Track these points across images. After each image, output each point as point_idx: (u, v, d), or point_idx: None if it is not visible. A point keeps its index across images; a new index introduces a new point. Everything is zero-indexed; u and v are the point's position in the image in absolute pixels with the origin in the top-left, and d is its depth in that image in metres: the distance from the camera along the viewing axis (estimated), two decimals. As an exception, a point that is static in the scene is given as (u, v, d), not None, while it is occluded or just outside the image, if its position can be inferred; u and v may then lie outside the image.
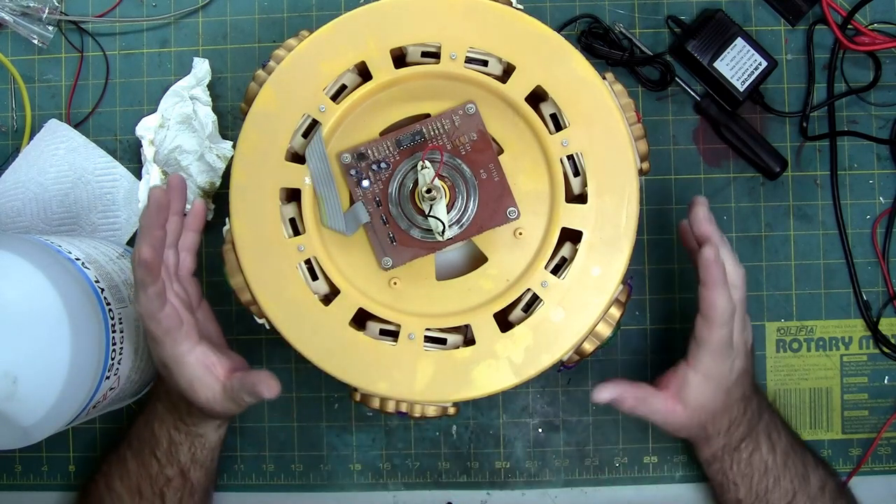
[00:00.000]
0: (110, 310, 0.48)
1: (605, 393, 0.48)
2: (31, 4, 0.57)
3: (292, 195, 0.49)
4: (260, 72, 0.49)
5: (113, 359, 0.48)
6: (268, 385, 0.45)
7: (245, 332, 0.58)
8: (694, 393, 0.48)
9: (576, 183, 0.48)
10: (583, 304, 0.47)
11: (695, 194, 0.57)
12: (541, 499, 0.58)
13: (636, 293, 0.58)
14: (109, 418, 0.58)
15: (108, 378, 0.47)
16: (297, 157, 0.49)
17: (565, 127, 0.48)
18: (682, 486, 0.58)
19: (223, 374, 0.48)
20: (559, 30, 0.56)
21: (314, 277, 0.48)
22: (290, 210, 0.49)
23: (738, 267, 0.48)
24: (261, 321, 0.49)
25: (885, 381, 0.58)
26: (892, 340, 0.57)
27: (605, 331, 0.47)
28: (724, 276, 0.46)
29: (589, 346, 0.47)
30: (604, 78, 0.49)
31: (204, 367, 0.47)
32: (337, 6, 0.59)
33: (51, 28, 0.58)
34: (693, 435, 0.50)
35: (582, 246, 0.47)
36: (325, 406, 0.58)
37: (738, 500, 0.51)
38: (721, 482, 0.51)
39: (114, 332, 0.48)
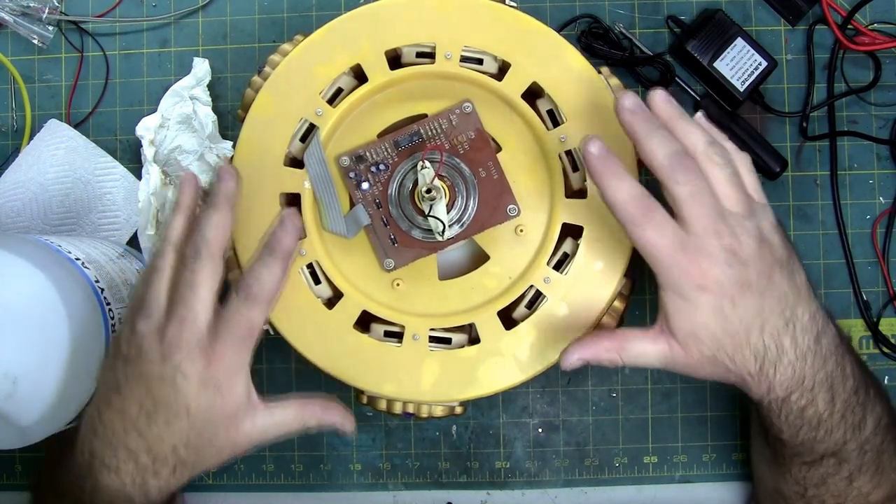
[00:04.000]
0: (110, 310, 0.48)
1: (572, 356, 0.43)
2: (31, 4, 0.57)
3: (292, 200, 0.49)
4: (256, 77, 0.50)
5: (113, 359, 0.48)
6: (349, 421, 0.44)
7: (245, 332, 0.58)
8: (675, 318, 0.41)
9: (575, 178, 0.48)
10: (586, 298, 0.47)
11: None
12: (541, 499, 0.58)
13: (636, 293, 0.58)
14: (109, 418, 0.58)
15: (108, 378, 0.47)
16: (295, 162, 0.49)
17: (562, 122, 0.48)
18: (682, 487, 0.58)
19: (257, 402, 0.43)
20: (559, 30, 0.56)
21: (317, 281, 0.48)
22: (291, 214, 0.49)
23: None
24: (264, 326, 0.49)
25: (885, 382, 0.58)
26: (892, 340, 0.57)
27: (609, 325, 0.47)
28: (610, 167, 0.41)
29: None
30: (599, 73, 0.49)
31: (250, 389, 0.42)
32: (337, 6, 0.59)
33: (51, 28, 0.58)
34: (720, 376, 0.43)
35: (583, 241, 0.47)
36: (325, 406, 0.58)
37: (780, 440, 0.45)
38: (767, 418, 0.45)
39: (114, 332, 0.48)
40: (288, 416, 0.43)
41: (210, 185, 0.47)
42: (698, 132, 0.43)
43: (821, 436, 0.43)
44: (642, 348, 0.42)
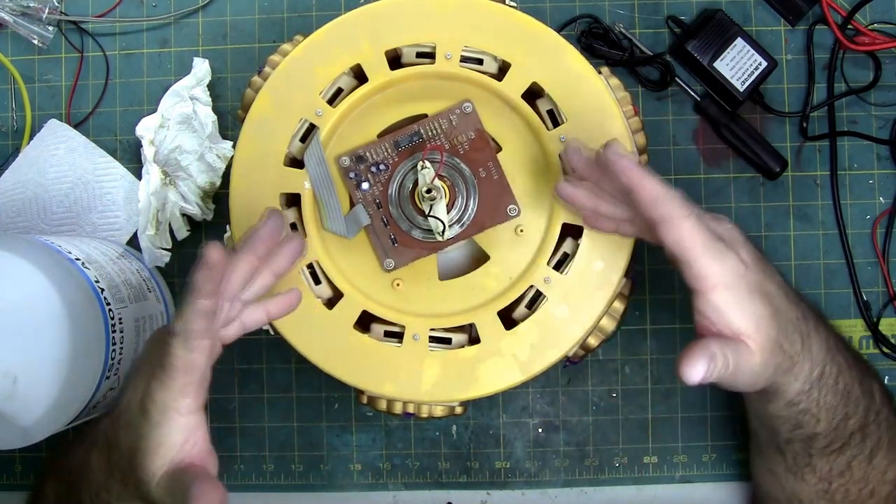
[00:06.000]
0: (110, 310, 0.48)
1: (698, 368, 0.38)
2: (31, 4, 0.57)
3: (292, 200, 0.49)
4: (256, 78, 0.50)
5: (113, 359, 0.48)
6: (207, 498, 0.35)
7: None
8: (734, 311, 0.40)
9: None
10: (586, 298, 0.47)
11: (695, 194, 0.58)
12: (541, 499, 0.58)
13: (636, 293, 0.58)
14: (109, 418, 0.58)
15: (108, 378, 0.47)
16: (295, 162, 0.49)
17: (562, 122, 0.48)
18: (682, 486, 0.58)
19: (186, 459, 0.39)
20: (559, 30, 0.56)
21: (317, 282, 0.48)
22: (291, 215, 0.49)
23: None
24: (265, 327, 0.49)
25: (885, 381, 0.58)
26: (892, 340, 0.57)
27: (609, 325, 0.47)
28: (639, 165, 0.40)
29: (594, 341, 0.48)
30: (599, 73, 0.49)
31: (184, 439, 0.38)
32: (337, 6, 0.59)
33: (51, 28, 0.58)
34: (780, 363, 0.41)
35: (583, 241, 0.47)
36: (325, 406, 0.58)
37: (814, 435, 0.45)
38: (800, 421, 0.44)
39: (114, 332, 0.48)
40: (201, 443, 0.39)
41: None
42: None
43: (852, 409, 0.44)
44: (741, 355, 0.40)
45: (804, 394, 0.43)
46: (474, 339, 0.47)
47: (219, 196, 0.57)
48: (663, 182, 0.40)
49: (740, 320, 0.40)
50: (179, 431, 0.38)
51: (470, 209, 0.48)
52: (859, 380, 0.45)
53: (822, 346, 0.43)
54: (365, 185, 0.48)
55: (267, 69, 0.49)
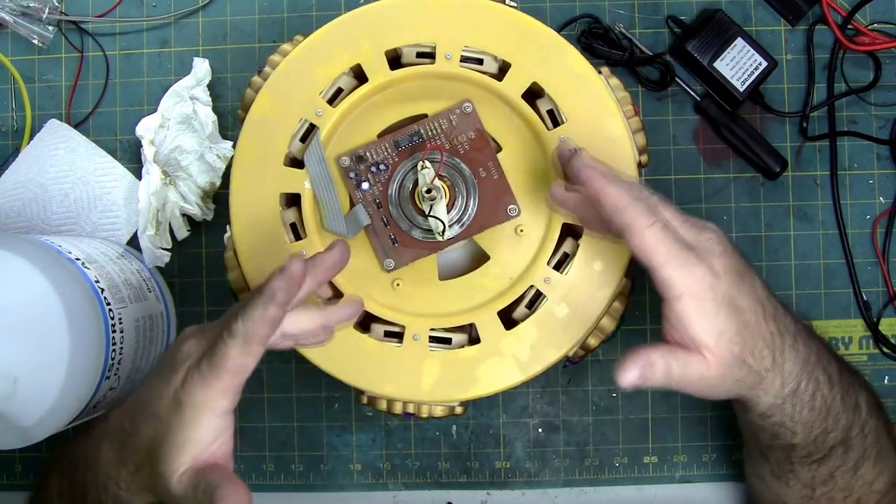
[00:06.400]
0: (110, 310, 0.48)
1: (630, 374, 0.39)
2: (31, 4, 0.57)
3: (292, 200, 0.49)
4: (256, 78, 0.50)
5: (113, 359, 0.48)
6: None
7: (245, 332, 0.58)
8: (696, 322, 0.40)
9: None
10: (586, 298, 0.47)
11: (695, 194, 0.58)
12: (541, 499, 0.58)
13: (636, 293, 0.58)
14: (109, 418, 0.58)
15: (108, 378, 0.47)
16: (295, 162, 0.49)
17: (563, 122, 0.48)
18: (682, 487, 0.58)
19: (209, 460, 0.39)
20: (559, 30, 0.56)
21: (317, 281, 0.48)
22: (291, 215, 0.49)
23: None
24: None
25: (885, 381, 0.58)
26: (892, 340, 0.57)
27: (609, 325, 0.47)
28: (604, 171, 0.41)
29: (594, 341, 0.48)
30: (599, 73, 0.49)
31: (213, 439, 0.39)
32: (337, 6, 0.59)
33: (51, 28, 0.58)
34: (740, 381, 0.41)
35: (583, 241, 0.47)
36: (325, 406, 0.58)
37: (792, 446, 0.45)
38: (776, 432, 0.44)
39: (114, 332, 0.48)
40: (226, 443, 0.40)
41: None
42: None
43: (831, 424, 0.43)
44: (685, 363, 0.40)
45: (776, 407, 0.43)
46: (474, 339, 0.47)
47: (219, 196, 0.57)
48: (632, 187, 0.40)
49: (700, 332, 0.40)
50: (211, 431, 0.38)
51: (470, 209, 0.48)
52: (842, 395, 0.44)
53: (797, 363, 0.42)
54: (365, 185, 0.48)
55: (267, 69, 0.49)
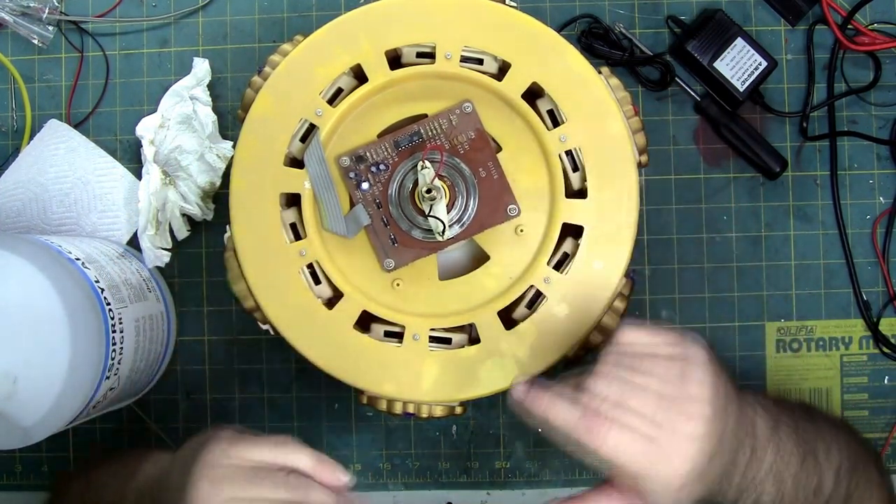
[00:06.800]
0: (110, 310, 0.48)
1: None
2: (31, 4, 0.57)
3: (292, 200, 0.49)
4: (256, 78, 0.50)
5: (113, 359, 0.48)
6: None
7: (246, 332, 0.58)
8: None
9: (575, 178, 0.48)
10: (586, 298, 0.47)
11: (695, 194, 0.58)
12: (541, 499, 0.58)
13: (636, 293, 0.58)
14: (109, 418, 0.58)
15: (107, 378, 0.47)
16: (295, 162, 0.49)
17: (563, 122, 0.48)
18: (682, 486, 0.57)
19: None
20: (559, 30, 0.56)
21: (317, 282, 0.48)
22: (291, 215, 0.49)
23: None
24: (265, 327, 0.49)
25: (885, 381, 0.58)
26: (892, 340, 0.57)
27: (611, 323, 0.47)
28: (540, 395, 0.40)
29: (595, 339, 0.47)
30: (599, 73, 0.49)
31: None
32: (337, 6, 0.59)
33: (51, 28, 0.58)
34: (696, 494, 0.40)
35: (583, 241, 0.47)
36: (325, 406, 0.58)
37: None
38: None
39: (114, 332, 0.48)
40: None
41: None
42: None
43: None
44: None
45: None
46: (474, 339, 0.47)
47: (219, 196, 0.57)
48: (576, 396, 0.39)
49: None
50: None
51: (470, 209, 0.48)
52: (796, 492, 0.42)
53: (753, 472, 0.41)
54: (365, 185, 0.48)
55: (267, 69, 0.49)
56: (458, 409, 0.49)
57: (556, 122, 0.48)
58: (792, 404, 0.46)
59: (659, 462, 0.38)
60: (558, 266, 0.48)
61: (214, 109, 0.57)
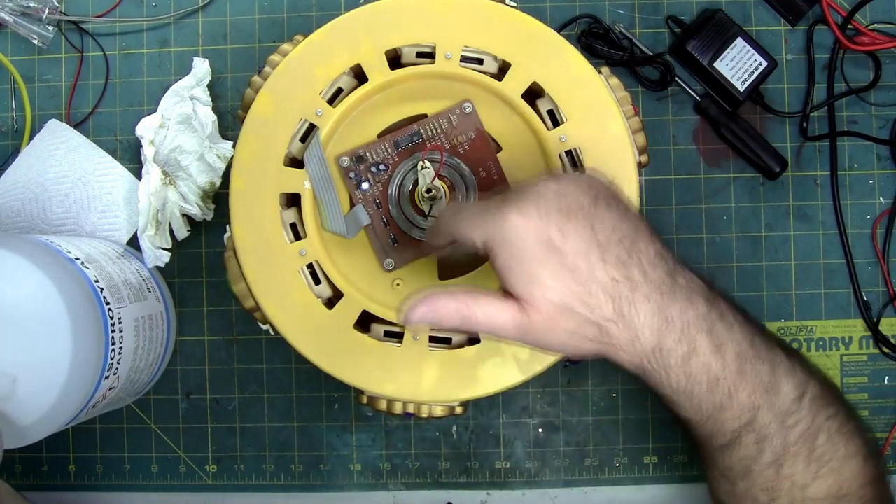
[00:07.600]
0: (110, 310, 0.48)
1: (415, 313, 0.38)
2: (31, 4, 0.57)
3: (292, 200, 0.49)
4: (256, 78, 0.50)
5: (112, 359, 0.48)
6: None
7: (245, 332, 0.58)
8: (512, 272, 0.37)
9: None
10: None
11: (695, 194, 0.58)
12: (541, 499, 0.58)
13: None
14: (109, 418, 0.58)
15: (107, 378, 0.47)
16: (295, 162, 0.49)
17: (563, 122, 0.48)
18: (682, 486, 0.58)
19: None
20: (559, 30, 0.56)
21: (317, 282, 0.48)
22: (291, 215, 0.49)
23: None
24: (265, 327, 0.49)
25: (885, 382, 0.58)
26: (892, 340, 0.57)
27: None
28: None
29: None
30: (599, 73, 0.49)
31: None
32: (337, 6, 0.59)
33: (51, 28, 0.58)
34: (582, 336, 0.37)
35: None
36: (325, 406, 0.58)
37: (687, 421, 0.40)
38: (665, 404, 0.40)
39: (113, 332, 0.48)
40: None
41: None
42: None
43: (722, 399, 0.38)
44: (492, 310, 0.37)
45: (640, 368, 0.39)
46: (474, 339, 0.47)
47: (219, 196, 0.57)
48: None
49: (510, 281, 0.37)
50: None
51: (470, 209, 0.48)
52: (740, 370, 0.38)
53: (659, 317, 0.37)
54: (365, 185, 0.48)
55: (267, 69, 0.49)
56: (458, 409, 0.49)
57: (556, 122, 0.48)
58: (759, 324, 0.41)
59: (494, 221, 0.37)
60: (558, 266, 0.47)
61: (214, 109, 0.57)
